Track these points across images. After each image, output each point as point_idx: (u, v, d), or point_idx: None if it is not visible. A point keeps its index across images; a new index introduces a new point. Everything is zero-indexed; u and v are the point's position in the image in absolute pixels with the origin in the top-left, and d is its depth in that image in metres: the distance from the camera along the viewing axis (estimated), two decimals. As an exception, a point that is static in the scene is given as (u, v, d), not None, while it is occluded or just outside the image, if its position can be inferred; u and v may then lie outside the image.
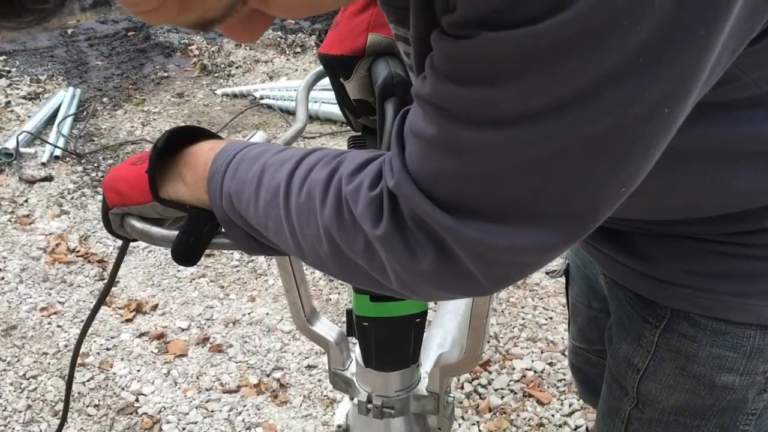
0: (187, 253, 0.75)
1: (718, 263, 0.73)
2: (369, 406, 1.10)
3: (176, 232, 0.76)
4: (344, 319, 1.14)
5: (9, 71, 4.55)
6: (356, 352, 1.11)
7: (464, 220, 0.49)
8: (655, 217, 0.74)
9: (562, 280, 1.26)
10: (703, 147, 0.62)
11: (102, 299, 0.98)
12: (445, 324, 1.27)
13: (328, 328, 1.15)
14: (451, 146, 0.48)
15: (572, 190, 0.47)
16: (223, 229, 0.73)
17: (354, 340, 1.10)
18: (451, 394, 1.12)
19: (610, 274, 0.87)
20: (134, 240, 0.87)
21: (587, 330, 1.20)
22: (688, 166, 0.64)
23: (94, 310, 0.99)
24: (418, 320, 1.02)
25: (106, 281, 0.96)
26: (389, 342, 1.04)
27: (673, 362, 0.81)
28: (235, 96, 4.16)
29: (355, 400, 1.12)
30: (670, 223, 0.73)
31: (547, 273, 2.52)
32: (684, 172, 0.65)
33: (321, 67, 1.08)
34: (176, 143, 0.75)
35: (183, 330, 2.37)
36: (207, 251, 0.78)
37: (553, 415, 2.01)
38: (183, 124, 0.81)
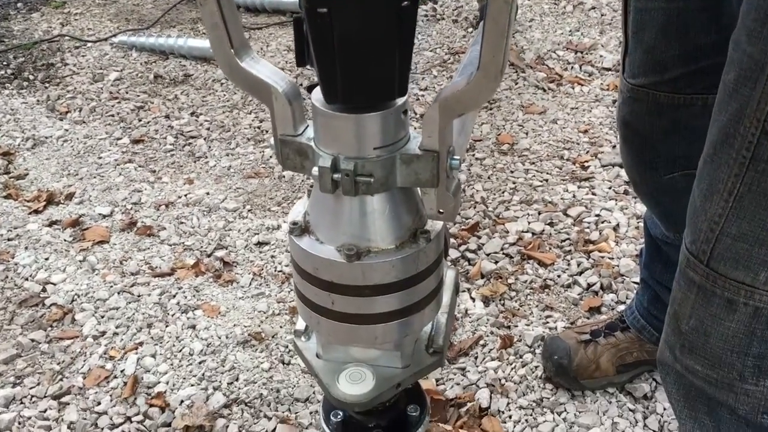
0: None
1: None
2: (336, 176, 0.69)
3: None
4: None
5: None
6: (315, 95, 0.70)
7: None
8: None
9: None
10: None
11: None
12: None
13: (270, 71, 0.73)
14: None
15: None
16: None
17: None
18: (456, 157, 0.71)
19: None
20: None
21: (661, 46, 0.89)
22: None
23: None
24: (405, 3, 0.62)
25: None
26: (361, 45, 0.63)
27: None
28: (169, -6, 3.68)
29: (315, 170, 0.71)
30: None
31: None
32: None
33: None
34: None
35: (104, 216, 1.95)
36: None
37: (559, 276, 1.65)
38: None
